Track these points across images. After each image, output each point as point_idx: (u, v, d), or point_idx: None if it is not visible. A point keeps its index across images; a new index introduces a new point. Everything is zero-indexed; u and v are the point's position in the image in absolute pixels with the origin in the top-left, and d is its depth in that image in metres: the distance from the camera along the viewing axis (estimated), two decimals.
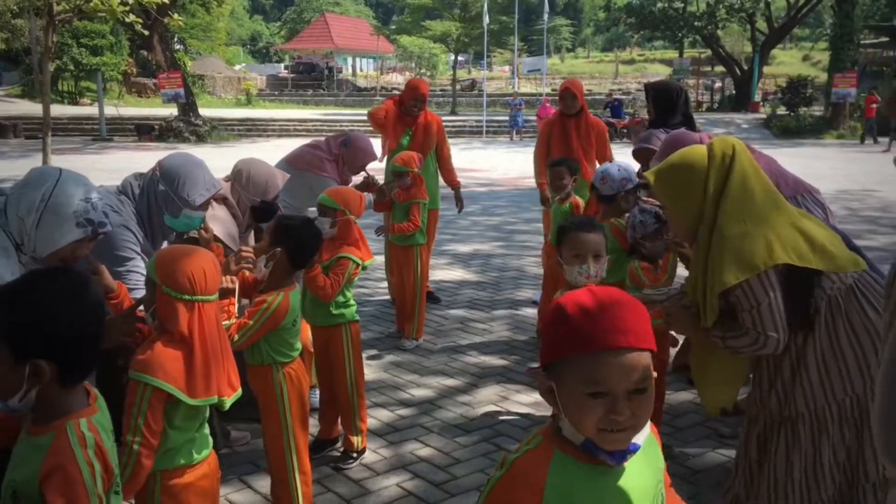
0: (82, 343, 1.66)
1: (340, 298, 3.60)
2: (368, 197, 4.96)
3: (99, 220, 2.31)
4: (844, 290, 2.39)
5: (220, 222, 3.63)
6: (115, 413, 2.01)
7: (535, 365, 2.86)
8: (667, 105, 4.75)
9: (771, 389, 2.53)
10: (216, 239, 3.32)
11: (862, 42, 31.44)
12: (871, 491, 2.43)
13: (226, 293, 2.74)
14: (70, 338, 1.63)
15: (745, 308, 2.37)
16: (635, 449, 1.31)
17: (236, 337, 2.78)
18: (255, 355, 2.97)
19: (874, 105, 24.39)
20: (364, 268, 3.70)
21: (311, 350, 4.03)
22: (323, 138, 5.05)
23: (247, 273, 2.99)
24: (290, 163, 4.73)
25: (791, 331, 2.40)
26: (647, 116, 5.60)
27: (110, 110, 27.42)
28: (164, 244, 3.13)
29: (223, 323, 2.53)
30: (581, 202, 4.92)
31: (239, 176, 3.83)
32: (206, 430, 2.36)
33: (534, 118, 24.58)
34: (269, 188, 3.85)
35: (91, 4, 11.73)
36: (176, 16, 17.54)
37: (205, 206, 3.12)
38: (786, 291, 2.36)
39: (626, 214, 3.95)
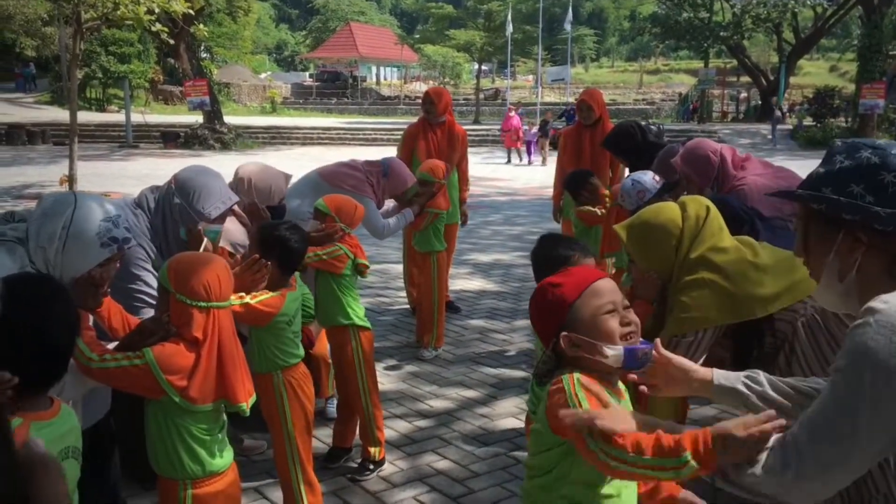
0: (42, 352, 1.64)
1: (343, 298, 3.56)
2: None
3: (122, 236, 2.29)
4: (820, 308, 2.37)
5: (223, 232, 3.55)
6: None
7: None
8: (631, 147, 4.68)
9: None
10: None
11: (890, 52, 31.04)
12: (882, 501, 2.38)
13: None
14: (27, 346, 1.62)
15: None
16: (648, 347, 1.70)
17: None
18: (259, 363, 2.96)
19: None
20: (357, 266, 3.62)
21: (329, 361, 4.00)
22: (360, 161, 4.77)
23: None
24: (325, 178, 4.53)
25: (764, 356, 2.41)
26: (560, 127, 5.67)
27: (136, 117, 27.76)
28: None
29: None
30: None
31: (241, 184, 3.75)
32: (227, 435, 2.35)
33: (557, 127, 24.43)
34: (273, 192, 3.78)
35: (118, 13, 11.80)
36: (202, 25, 17.67)
37: (221, 218, 3.06)
38: (736, 333, 2.42)
39: None
